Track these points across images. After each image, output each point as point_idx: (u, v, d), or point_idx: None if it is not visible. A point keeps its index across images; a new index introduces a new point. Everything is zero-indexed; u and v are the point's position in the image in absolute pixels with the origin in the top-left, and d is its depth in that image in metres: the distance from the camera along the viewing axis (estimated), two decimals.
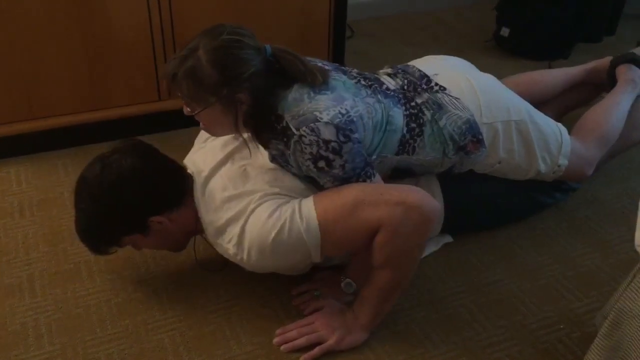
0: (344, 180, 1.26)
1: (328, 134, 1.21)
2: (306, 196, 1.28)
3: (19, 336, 1.32)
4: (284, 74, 1.25)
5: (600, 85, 1.84)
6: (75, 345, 1.31)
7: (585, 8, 2.42)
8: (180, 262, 1.51)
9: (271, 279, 1.45)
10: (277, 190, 1.29)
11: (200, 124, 1.30)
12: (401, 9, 2.88)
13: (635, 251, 1.01)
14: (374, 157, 1.34)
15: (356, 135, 1.25)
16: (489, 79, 1.56)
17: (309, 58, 1.32)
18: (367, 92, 1.34)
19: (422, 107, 1.40)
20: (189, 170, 1.39)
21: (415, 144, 1.39)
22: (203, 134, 1.49)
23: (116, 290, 1.44)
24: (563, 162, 1.55)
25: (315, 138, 1.21)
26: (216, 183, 1.33)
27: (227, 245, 1.29)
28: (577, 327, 1.36)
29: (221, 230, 1.29)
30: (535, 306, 1.41)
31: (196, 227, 1.36)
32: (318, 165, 1.24)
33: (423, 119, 1.39)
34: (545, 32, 2.44)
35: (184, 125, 1.86)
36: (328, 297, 1.39)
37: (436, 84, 1.45)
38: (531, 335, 1.35)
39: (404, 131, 1.37)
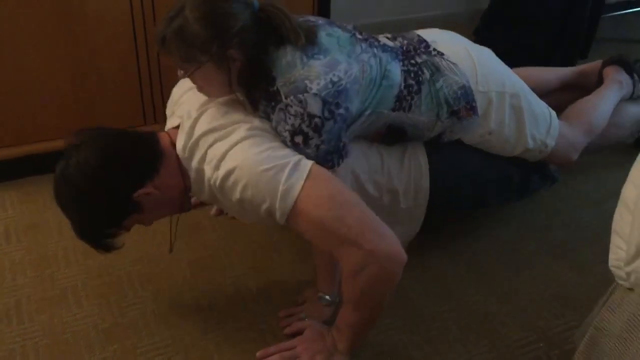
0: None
1: (315, 107, 1.21)
2: None
3: None
4: (274, 30, 1.23)
5: (588, 89, 1.86)
6: None
7: (561, 33, 2.50)
8: (167, 287, 1.53)
9: (259, 302, 1.48)
10: (267, 126, 1.26)
11: (196, 86, 1.29)
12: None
13: (611, 271, 1.06)
14: (368, 111, 1.34)
15: (341, 111, 1.24)
16: (487, 52, 1.58)
17: (305, 16, 1.30)
18: (362, 46, 1.33)
19: (422, 66, 1.41)
20: (179, 118, 1.34)
21: (412, 102, 1.39)
22: (176, 94, 1.44)
23: (103, 315, 1.45)
24: (550, 143, 1.57)
25: (301, 110, 1.21)
26: (204, 119, 1.28)
27: (206, 167, 1.24)
28: (557, 346, 1.40)
29: (203, 157, 1.25)
30: (515, 325, 1.45)
31: (185, 183, 1.31)
32: (294, 140, 1.23)
33: (422, 77, 1.40)
34: (520, 56, 2.50)
35: None
36: (313, 315, 1.41)
37: (434, 49, 1.46)
38: (511, 354, 1.38)
39: (401, 87, 1.37)
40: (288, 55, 1.23)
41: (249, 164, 1.18)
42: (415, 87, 1.39)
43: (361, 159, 1.43)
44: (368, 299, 1.24)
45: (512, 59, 2.48)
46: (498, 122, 1.49)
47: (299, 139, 1.23)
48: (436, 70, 1.42)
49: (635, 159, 1.07)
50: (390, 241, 1.19)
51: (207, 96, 1.31)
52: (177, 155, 1.29)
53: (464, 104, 1.43)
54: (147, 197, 1.27)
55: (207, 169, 1.24)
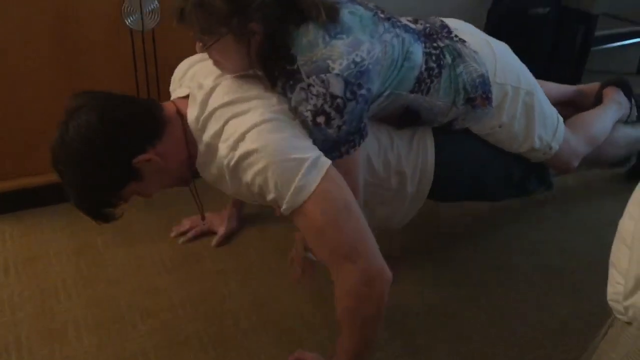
0: (333, 144, 1.25)
1: (337, 88, 1.20)
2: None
3: None
4: (295, 5, 1.23)
5: (584, 109, 1.88)
6: None
7: (549, 66, 2.55)
8: (168, 319, 1.53)
9: (259, 333, 1.48)
10: (285, 107, 1.24)
11: (212, 61, 1.28)
12: None
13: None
14: (387, 92, 1.34)
15: (363, 92, 1.23)
16: (505, 46, 1.58)
17: None
18: (384, 26, 1.32)
19: (444, 50, 1.42)
20: (188, 88, 1.33)
21: (431, 85, 1.39)
22: (181, 69, 1.43)
23: (103, 350, 1.44)
24: (555, 146, 1.59)
25: (323, 91, 1.20)
26: (220, 91, 1.26)
27: (221, 144, 1.22)
28: None
29: (218, 133, 1.23)
30: (513, 355, 1.45)
31: (190, 152, 1.29)
32: (316, 120, 1.22)
33: (443, 62, 1.40)
34: None
35: None
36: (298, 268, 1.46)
37: (456, 36, 1.47)
38: None
39: (422, 69, 1.37)
40: (310, 34, 1.22)
41: (268, 151, 1.16)
42: (436, 71, 1.39)
43: (372, 139, 1.42)
44: (362, 319, 1.24)
45: None
46: (510, 117, 1.51)
47: (321, 120, 1.22)
48: (458, 56, 1.42)
49: (630, 188, 1.09)
50: (380, 260, 1.21)
51: (224, 72, 1.29)
52: (182, 124, 1.28)
53: (480, 92, 1.43)
54: (147, 164, 1.24)
55: (222, 147, 1.22)
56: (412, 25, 1.44)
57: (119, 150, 1.21)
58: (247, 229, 1.84)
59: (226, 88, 1.26)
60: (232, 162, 1.20)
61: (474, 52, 1.45)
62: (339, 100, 1.21)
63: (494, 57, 1.48)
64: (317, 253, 1.25)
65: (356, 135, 1.28)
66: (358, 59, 1.22)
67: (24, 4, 1.65)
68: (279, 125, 1.20)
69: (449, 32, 1.48)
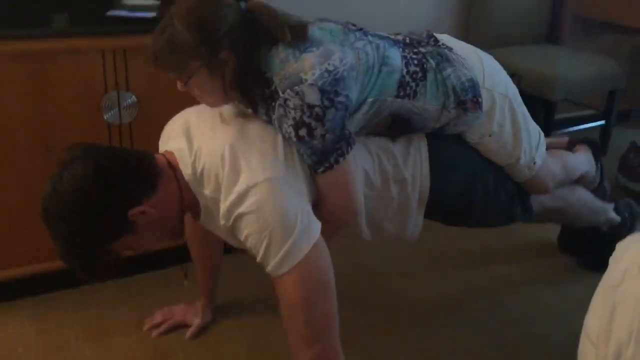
0: (321, 155, 1.27)
1: (313, 97, 1.21)
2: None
3: None
4: (264, 30, 1.26)
5: None
6: None
7: None
8: None
9: None
10: (280, 152, 1.28)
11: (195, 96, 1.31)
12: None
13: None
14: (371, 99, 1.34)
15: (341, 99, 1.24)
16: (492, 58, 1.60)
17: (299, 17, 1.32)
18: (355, 35, 1.34)
19: (427, 55, 1.43)
20: (175, 139, 1.34)
21: (417, 89, 1.39)
22: (168, 128, 1.45)
23: None
24: (538, 160, 1.59)
25: (300, 102, 1.21)
26: (207, 149, 1.28)
27: (222, 204, 1.24)
28: None
29: (216, 189, 1.25)
30: None
31: (183, 203, 1.31)
32: (299, 134, 1.23)
33: (427, 66, 1.41)
34: None
35: (150, 269, 1.93)
36: None
37: (443, 44, 1.49)
38: None
39: (403, 72, 1.37)
40: (281, 54, 1.25)
41: (260, 217, 1.20)
42: (420, 74, 1.40)
43: (364, 153, 1.43)
44: None
45: None
46: (499, 126, 1.52)
47: (303, 132, 1.23)
48: (443, 60, 1.44)
49: (596, 274, 1.10)
50: (336, 347, 1.25)
51: (208, 105, 1.33)
52: (175, 176, 1.30)
53: (470, 96, 1.44)
54: (142, 217, 1.24)
55: (222, 207, 1.24)
56: (389, 35, 1.47)
57: (113, 202, 1.21)
58: (220, 320, 1.81)
59: (215, 141, 1.28)
60: (229, 224, 1.24)
61: (462, 58, 1.47)
62: (316, 109, 1.22)
63: (482, 65, 1.51)
64: (284, 322, 1.27)
65: (342, 143, 1.29)
66: (331, 68, 1.24)
67: (1, 96, 1.68)
68: (271, 186, 1.22)
69: (436, 40, 1.52)
